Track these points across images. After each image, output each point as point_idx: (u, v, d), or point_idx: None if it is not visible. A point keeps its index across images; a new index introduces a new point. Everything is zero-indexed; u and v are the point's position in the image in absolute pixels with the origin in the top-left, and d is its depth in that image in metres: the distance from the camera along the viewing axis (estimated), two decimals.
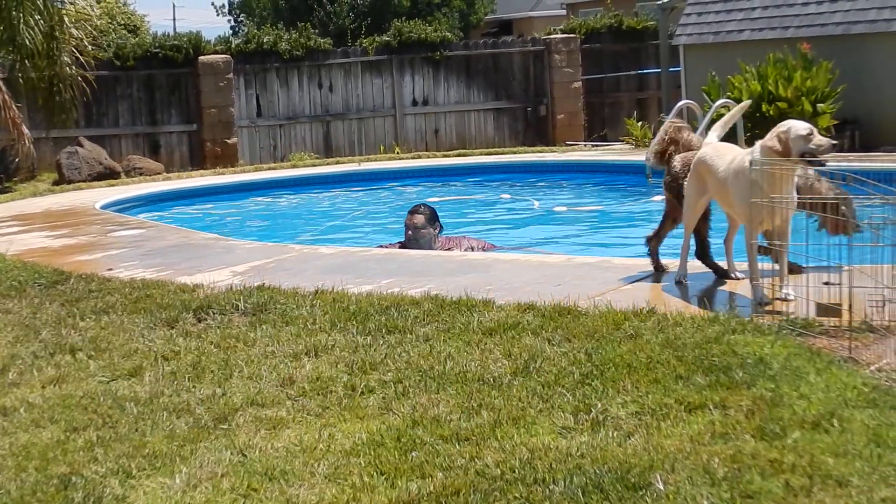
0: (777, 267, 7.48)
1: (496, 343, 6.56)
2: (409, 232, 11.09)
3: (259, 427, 5.51)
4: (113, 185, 19.43)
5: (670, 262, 8.59)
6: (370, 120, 24.09)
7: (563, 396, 5.58)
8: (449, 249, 10.82)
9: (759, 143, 7.29)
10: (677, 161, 8.47)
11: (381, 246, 11.46)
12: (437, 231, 11.03)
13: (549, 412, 5.39)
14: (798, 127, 7.15)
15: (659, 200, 14.83)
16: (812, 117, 18.25)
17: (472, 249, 10.78)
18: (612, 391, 5.58)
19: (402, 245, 11.08)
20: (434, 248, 10.85)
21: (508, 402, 5.56)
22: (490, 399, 5.62)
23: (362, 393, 5.91)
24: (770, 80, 18.77)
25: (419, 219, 11.00)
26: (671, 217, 8.62)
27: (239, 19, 43.65)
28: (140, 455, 5.22)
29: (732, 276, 8.24)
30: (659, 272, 8.55)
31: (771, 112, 18.54)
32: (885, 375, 5.80)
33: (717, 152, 7.89)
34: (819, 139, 7.09)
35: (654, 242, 8.65)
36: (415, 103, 24.38)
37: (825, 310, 6.73)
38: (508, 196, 16.84)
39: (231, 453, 5.17)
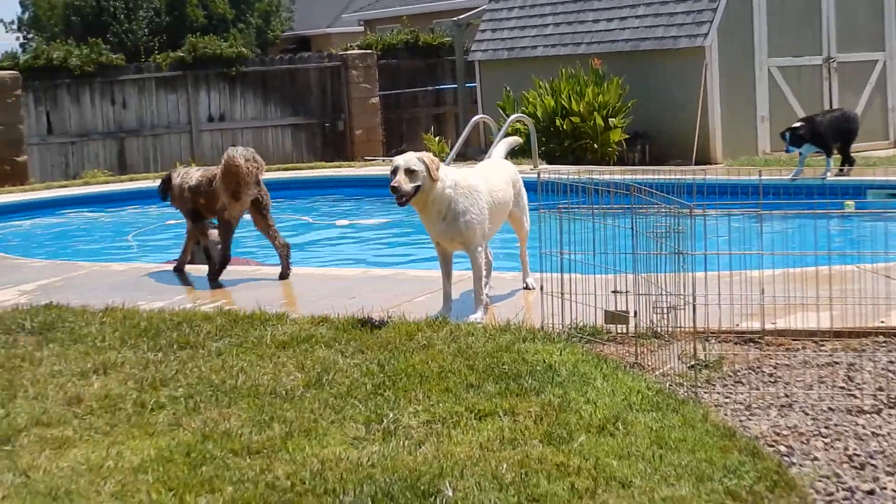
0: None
1: (289, 356, 6.53)
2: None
3: (44, 447, 5.35)
4: None
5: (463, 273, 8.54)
6: (165, 136, 23.70)
7: (355, 407, 5.57)
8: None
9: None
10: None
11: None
12: None
13: (340, 423, 5.38)
14: None
15: None
16: (604, 132, 18.70)
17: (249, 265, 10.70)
18: (404, 401, 5.60)
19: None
20: None
21: (300, 414, 5.52)
22: (282, 412, 5.58)
23: (152, 409, 5.81)
24: (563, 96, 19.15)
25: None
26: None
27: (29, 36, 42.58)
28: None
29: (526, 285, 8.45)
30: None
31: (565, 126, 18.93)
32: (668, 380, 5.97)
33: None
34: None
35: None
36: (211, 119, 24.10)
37: (613, 317, 6.89)
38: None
39: (13, 475, 5.01)
